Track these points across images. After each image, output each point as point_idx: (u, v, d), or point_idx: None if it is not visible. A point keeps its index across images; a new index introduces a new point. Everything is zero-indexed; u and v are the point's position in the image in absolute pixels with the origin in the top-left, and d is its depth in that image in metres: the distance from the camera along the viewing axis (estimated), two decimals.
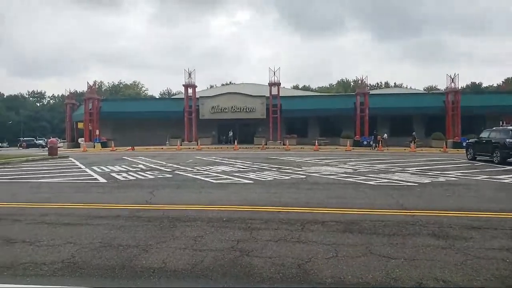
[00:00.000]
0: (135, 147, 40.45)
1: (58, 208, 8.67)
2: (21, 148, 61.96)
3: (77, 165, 20.40)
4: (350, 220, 7.17)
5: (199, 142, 43.16)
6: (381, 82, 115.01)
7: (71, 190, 11.74)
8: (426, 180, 13.35)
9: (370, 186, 12.10)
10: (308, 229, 6.52)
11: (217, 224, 6.87)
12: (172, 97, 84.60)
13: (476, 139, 24.13)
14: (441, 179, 13.85)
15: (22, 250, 5.49)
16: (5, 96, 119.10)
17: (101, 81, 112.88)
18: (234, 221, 7.10)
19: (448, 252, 5.28)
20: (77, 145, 49.14)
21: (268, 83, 46.13)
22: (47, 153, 29.84)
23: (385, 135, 41.24)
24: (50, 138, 41.57)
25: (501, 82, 68.11)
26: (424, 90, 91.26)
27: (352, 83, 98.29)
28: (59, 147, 35.68)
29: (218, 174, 15.39)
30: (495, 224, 6.92)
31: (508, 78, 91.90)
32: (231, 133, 46.69)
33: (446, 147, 37.07)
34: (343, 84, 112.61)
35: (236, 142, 42.82)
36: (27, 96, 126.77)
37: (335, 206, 8.62)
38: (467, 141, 27.23)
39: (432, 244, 5.67)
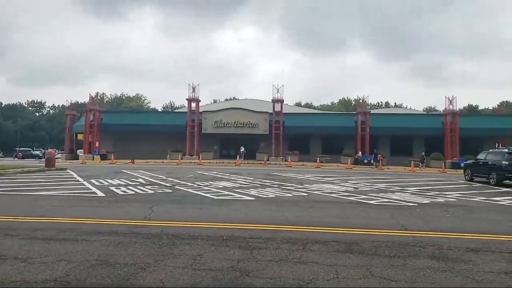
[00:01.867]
0: (135, 160, 40.30)
1: (53, 222, 8.50)
2: (16, 159, 60.68)
3: (75, 178, 20.26)
4: (351, 240, 7.11)
5: (200, 156, 43.07)
6: (381, 102, 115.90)
7: (67, 204, 11.60)
8: (426, 201, 13.36)
9: (371, 205, 12.07)
10: (309, 249, 6.46)
11: (217, 243, 6.79)
12: (175, 110, 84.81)
13: (473, 161, 24.28)
14: (440, 199, 13.87)
15: (13, 267, 5.30)
16: (3, 105, 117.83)
17: (103, 93, 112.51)
18: (235, 240, 7.02)
19: (448, 275, 5.27)
20: (76, 157, 48.98)
21: (272, 100, 46.28)
22: (44, 164, 29.34)
23: (423, 153, 40.70)
24: (47, 149, 41.39)
25: (496, 105, 70.35)
26: (423, 110, 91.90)
27: (353, 102, 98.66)
28: (57, 158, 35.46)
29: (219, 190, 15.31)
30: (493, 247, 6.96)
31: (503, 101, 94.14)
32: (242, 149, 45.51)
33: (445, 168, 37.10)
34: (345, 103, 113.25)
35: (238, 157, 42.75)
36: (26, 106, 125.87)
37: (337, 225, 8.56)
38: (465, 162, 27.43)
39: (432, 266, 5.65)
